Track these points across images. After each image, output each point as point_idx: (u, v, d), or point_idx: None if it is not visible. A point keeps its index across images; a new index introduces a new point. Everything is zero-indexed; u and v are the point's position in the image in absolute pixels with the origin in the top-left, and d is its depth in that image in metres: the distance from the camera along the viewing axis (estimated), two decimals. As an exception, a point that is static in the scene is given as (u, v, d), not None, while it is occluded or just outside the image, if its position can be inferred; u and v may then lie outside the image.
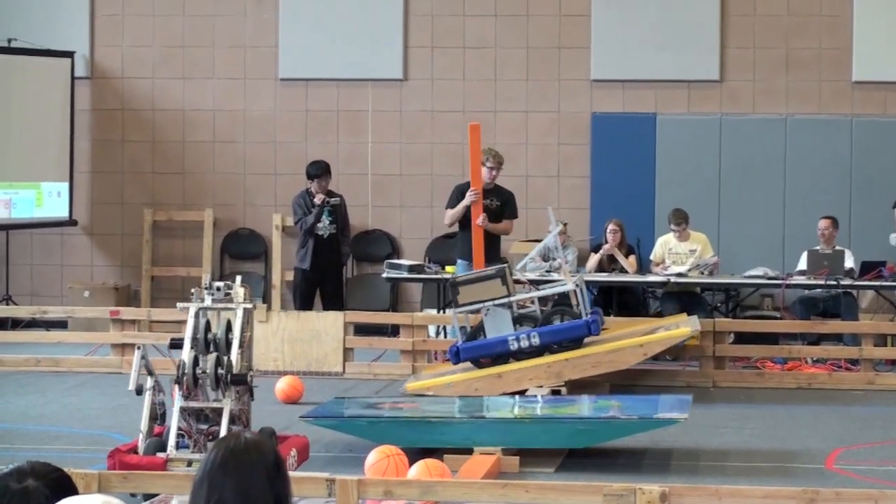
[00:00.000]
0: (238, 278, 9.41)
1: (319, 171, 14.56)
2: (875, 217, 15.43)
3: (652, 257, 14.92)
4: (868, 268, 14.15)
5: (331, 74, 16.65)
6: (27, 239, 16.96)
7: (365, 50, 16.54)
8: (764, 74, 16.19)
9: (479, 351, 11.67)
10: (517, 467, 9.42)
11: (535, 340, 11.52)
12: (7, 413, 11.60)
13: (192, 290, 9.18)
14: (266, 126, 16.83)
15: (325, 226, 14.35)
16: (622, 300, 15.05)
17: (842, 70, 16.10)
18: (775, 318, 14.82)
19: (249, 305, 9.15)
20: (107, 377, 13.32)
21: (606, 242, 14.85)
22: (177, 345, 9.03)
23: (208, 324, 9.08)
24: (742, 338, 13.99)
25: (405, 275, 14.45)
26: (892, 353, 14.15)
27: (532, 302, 12.22)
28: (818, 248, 14.52)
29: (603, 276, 14.68)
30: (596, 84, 16.36)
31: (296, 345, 13.45)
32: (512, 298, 11.67)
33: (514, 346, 11.52)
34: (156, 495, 7.40)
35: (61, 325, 15.47)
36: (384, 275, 14.54)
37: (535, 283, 13.03)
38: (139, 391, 8.96)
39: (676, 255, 14.74)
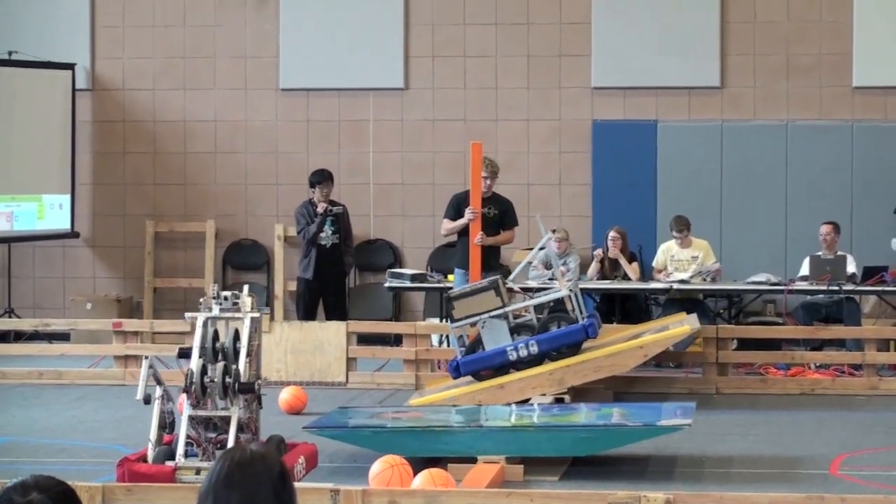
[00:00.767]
0: (246, 287, 9.46)
1: (321, 178, 14.56)
2: (877, 222, 15.44)
3: (654, 264, 14.92)
4: (870, 273, 14.16)
5: (332, 84, 16.66)
6: (29, 252, 16.96)
7: (366, 59, 16.55)
8: (764, 80, 16.19)
9: (478, 364, 11.60)
10: (521, 476, 9.41)
11: (534, 349, 11.46)
12: (11, 426, 11.58)
13: (200, 300, 9.25)
14: (267, 136, 16.83)
15: (327, 236, 14.36)
16: (625, 308, 15.03)
17: (842, 75, 16.10)
18: (778, 325, 14.81)
19: (257, 315, 9.21)
20: (110, 389, 13.30)
21: (608, 250, 14.85)
22: (185, 354, 9.09)
23: (216, 333, 9.13)
24: (745, 344, 13.97)
25: (408, 284, 14.45)
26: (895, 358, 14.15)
27: (528, 310, 12.18)
28: (820, 253, 14.52)
29: (605, 284, 14.67)
30: (597, 91, 16.36)
31: (299, 355, 13.44)
32: (507, 309, 11.62)
33: (513, 356, 11.46)
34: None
35: (64, 337, 15.48)
36: (386, 284, 14.53)
37: (529, 291, 12.94)
38: (147, 400, 9.00)
39: (678, 262, 14.74)
